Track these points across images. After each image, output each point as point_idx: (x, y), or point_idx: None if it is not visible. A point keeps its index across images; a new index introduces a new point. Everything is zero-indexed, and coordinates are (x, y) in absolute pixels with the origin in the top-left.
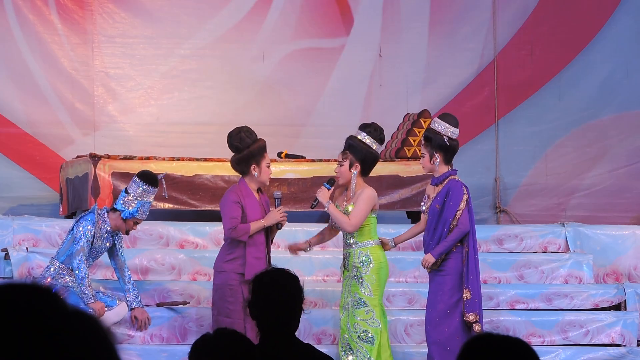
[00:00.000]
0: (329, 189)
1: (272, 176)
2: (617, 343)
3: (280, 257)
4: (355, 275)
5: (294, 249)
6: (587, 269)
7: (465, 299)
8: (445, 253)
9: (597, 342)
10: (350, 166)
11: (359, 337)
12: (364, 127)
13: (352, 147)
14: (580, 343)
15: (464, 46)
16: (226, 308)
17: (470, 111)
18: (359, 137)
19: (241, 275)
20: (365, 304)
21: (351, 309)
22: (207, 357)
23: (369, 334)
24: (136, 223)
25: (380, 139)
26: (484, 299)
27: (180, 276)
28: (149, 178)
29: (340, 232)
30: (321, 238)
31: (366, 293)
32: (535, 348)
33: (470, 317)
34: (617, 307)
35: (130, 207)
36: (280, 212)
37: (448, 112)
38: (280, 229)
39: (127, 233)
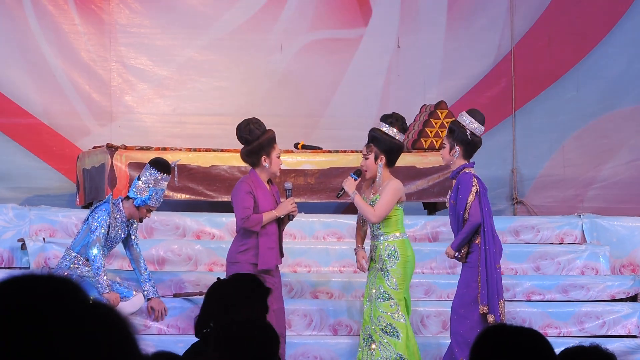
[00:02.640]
0: (355, 180)
1: (288, 167)
2: (634, 334)
3: (296, 247)
4: (381, 268)
5: (363, 265)
6: (604, 261)
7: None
8: (462, 245)
9: (614, 334)
10: (376, 159)
11: (382, 330)
12: (385, 118)
13: (376, 139)
14: (597, 334)
15: (482, 37)
16: None
17: (488, 102)
18: (382, 129)
19: (254, 265)
20: (390, 297)
21: (375, 300)
22: (233, 342)
23: (394, 328)
24: (149, 211)
25: (402, 128)
26: None
27: (196, 267)
28: (161, 165)
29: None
30: (363, 234)
31: (391, 286)
32: (551, 339)
33: (482, 308)
34: (633, 299)
35: (143, 195)
36: (291, 202)
37: (464, 103)
38: (291, 220)
39: (141, 221)
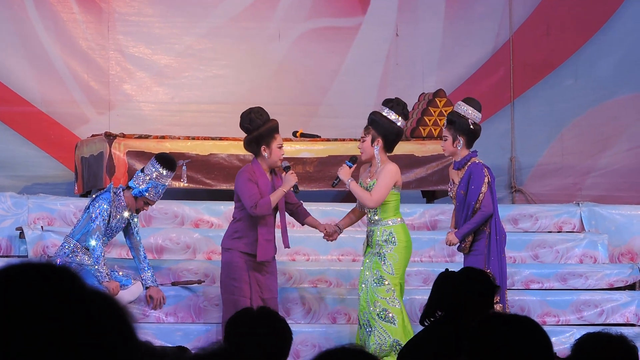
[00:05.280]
0: (350, 167)
1: (287, 155)
2: (632, 323)
3: (296, 236)
4: (378, 253)
5: (330, 236)
6: (602, 249)
7: None
8: (468, 235)
9: (612, 322)
10: (373, 141)
11: (378, 315)
12: (386, 102)
13: (375, 122)
14: (595, 323)
15: (480, 25)
16: (232, 286)
17: (486, 91)
18: (382, 112)
19: (246, 254)
20: (386, 282)
21: (371, 285)
22: (245, 330)
23: (389, 314)
24: (147, 204)
25: (403, 114)
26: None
27: (195, 255)
28: (165, 161)
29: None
30: (350, 220)
31: (388, 271)
32: (549, 328)
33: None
34: (631, 287)
35: (141, 186)
36: (292, 174)
37: (463, 92)
38: (297, 192)
39: (137, 212)
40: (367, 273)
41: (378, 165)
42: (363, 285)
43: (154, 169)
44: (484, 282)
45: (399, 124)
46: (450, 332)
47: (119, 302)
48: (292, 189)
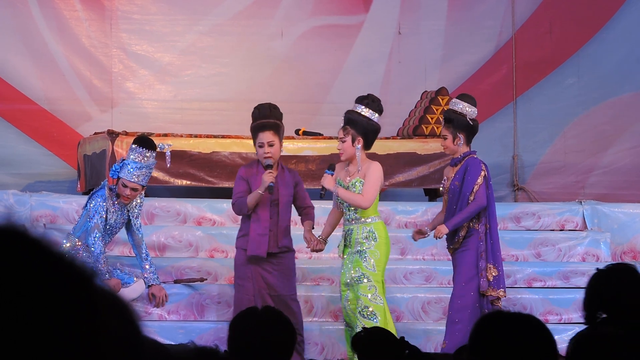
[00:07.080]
0: (332, 175)
1: (289, 153)
2: None
3: (297, 234)
4: (358, 251)
5: (315, 249)
6: (605, 247)
7: (493, 276)
8: (459, 225)
9: None
10: (353, 141)
11: (360, 312)
12: (361, 100)
13: (352, 121)
14: None
15: (483, 24)
16: (237, 284)
17: (489, 89)
18: (357, 110)
19: (245, 251)
20: (368, 279)
21: (354, 284)
22: (248, 331)
23: (370, 310)
24: (125, 186)
25: (379, 110)
26: None
27: (197, 253)
28: (140, 140)
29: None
30: (332, 226)
31: (369, 268)
32: (552, 326)
33: (501, 292)
34: None
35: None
36: (268, 173)
37: (465, 90)
38: (271, 192)
39: (124, 199)
40: (349, 273)
41: (359, 164)
42: (347, 287)
43: (130, 150)
44: (636, 275)
45: (375, 119)
46: (619, 331)
47: (124, 300)
48: (267, 190)
